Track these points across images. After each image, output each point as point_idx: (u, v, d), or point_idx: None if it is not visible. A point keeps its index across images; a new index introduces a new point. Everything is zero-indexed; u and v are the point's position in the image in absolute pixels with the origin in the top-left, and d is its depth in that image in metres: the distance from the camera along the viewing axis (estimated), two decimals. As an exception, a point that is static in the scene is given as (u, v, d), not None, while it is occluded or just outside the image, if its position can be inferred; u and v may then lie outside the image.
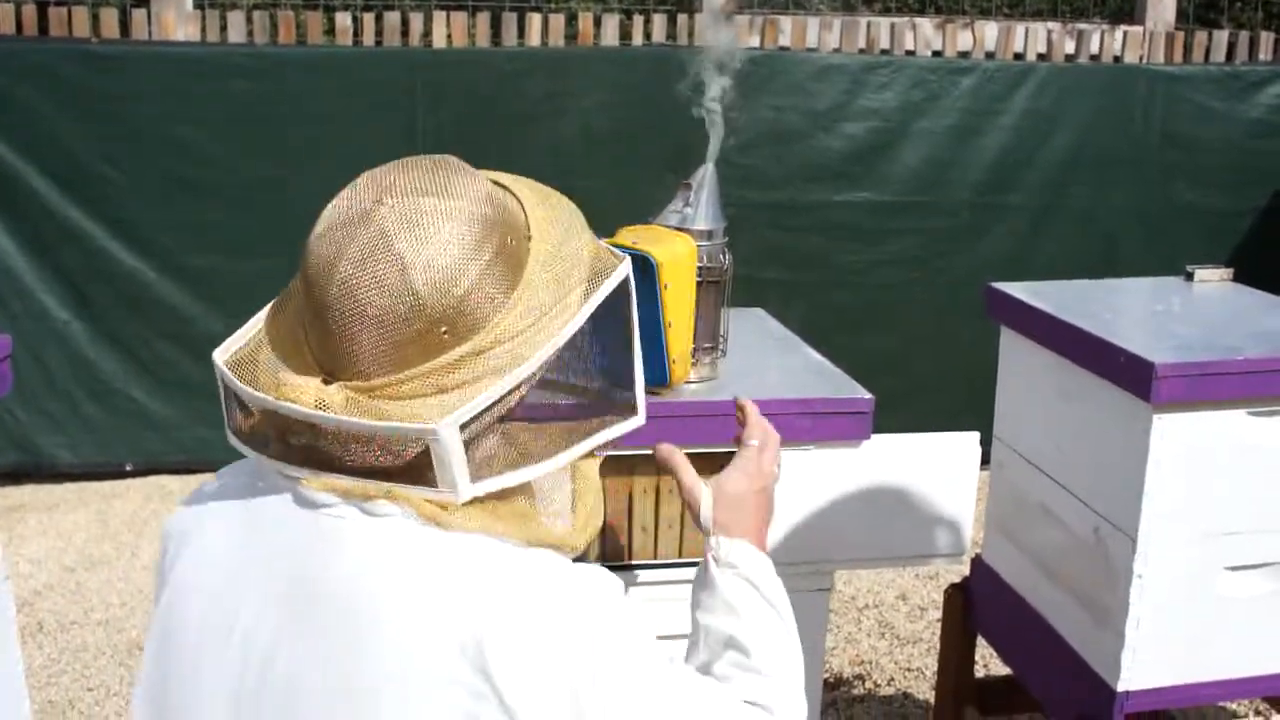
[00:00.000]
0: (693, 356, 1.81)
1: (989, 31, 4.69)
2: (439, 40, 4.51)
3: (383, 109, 4.29)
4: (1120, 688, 2.08)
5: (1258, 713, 3.01)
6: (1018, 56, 4.70)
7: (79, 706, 3.15)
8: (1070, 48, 4.72)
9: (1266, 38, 4.70)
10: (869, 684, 3.31)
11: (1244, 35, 4.68)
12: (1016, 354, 2.38)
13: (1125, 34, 4.72)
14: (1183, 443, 1.97)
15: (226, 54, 4.37)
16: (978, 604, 2.55)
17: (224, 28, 4.47)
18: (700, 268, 1.77)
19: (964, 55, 4.71)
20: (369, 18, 4.48)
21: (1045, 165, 4.61)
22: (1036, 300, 2.29)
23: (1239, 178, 4.68)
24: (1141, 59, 4.68)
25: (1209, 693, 2.15)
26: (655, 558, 1.85)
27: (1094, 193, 4.67)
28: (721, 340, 1.88)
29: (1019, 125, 4.57)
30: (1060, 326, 2.18)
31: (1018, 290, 2.37)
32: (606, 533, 1.83)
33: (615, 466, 1.79)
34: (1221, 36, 4.68)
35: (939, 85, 4.52)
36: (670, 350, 1.74)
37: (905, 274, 4.63)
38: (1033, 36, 4.70)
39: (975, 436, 1.87)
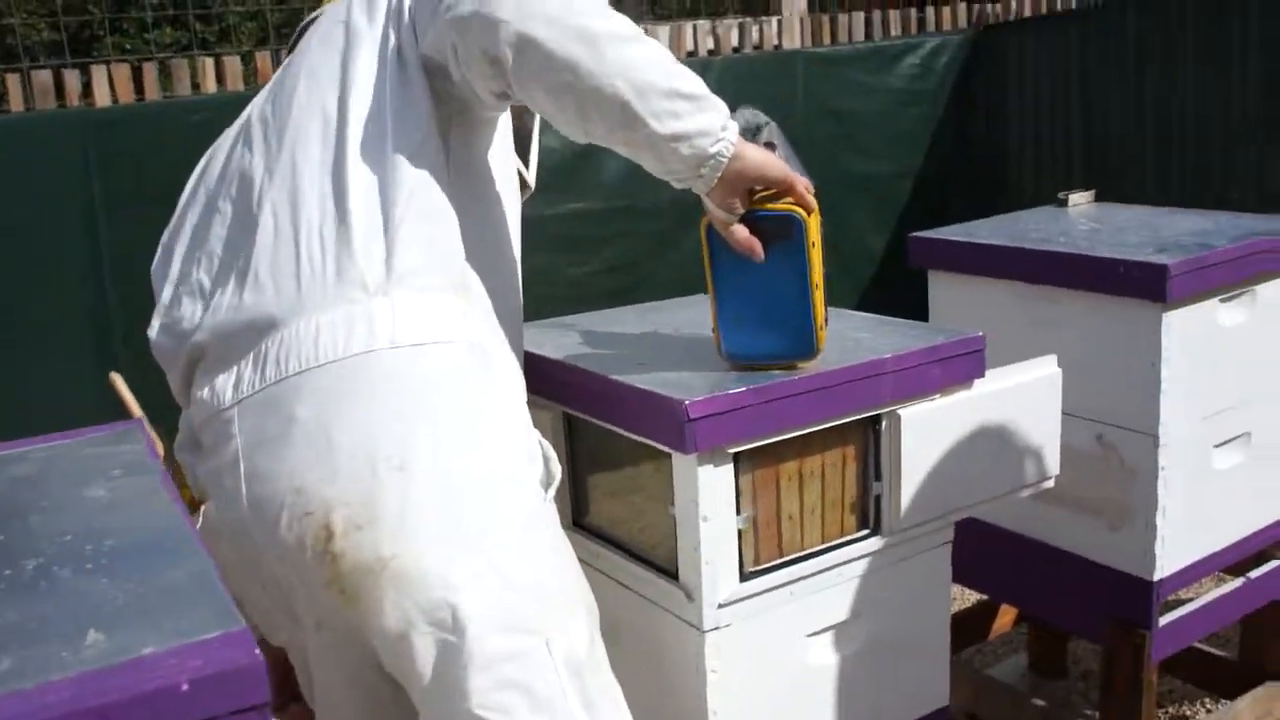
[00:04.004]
0: (823, 323, 1.70)
1: (661, 34, 4.81)
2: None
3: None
4: (1156, 577, 2.21)
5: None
6: (690, 54, 4.86)
7: None
8: (735, 40, 4.95)
9: (894, 15, 5.18)
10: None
11: (877, 15, 5.13)
12: (956, 294, 2.45)
13: (779, 22, 5.02)
14: (1184, 337, 2.13)
15: None
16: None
17: None
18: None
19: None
20: (12, 79, 3.82)
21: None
22: (986, 238, 2.38)
23: (893, 145, 5.12)
24: (800, 44, 5.00)
25: (1215, 563, 2.32)
26: (802, 548, 1.73)
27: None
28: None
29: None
30: (1030, 256, 2.27)
31: (955, 233, 2.45)
32: (759, 532, 1.68)
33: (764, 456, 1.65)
34: (859, 17, 5.10)
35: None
36: (817, 315, 1.62)
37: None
38: (701, 34, 4.87)
39: (1054, 359, 1.91)
